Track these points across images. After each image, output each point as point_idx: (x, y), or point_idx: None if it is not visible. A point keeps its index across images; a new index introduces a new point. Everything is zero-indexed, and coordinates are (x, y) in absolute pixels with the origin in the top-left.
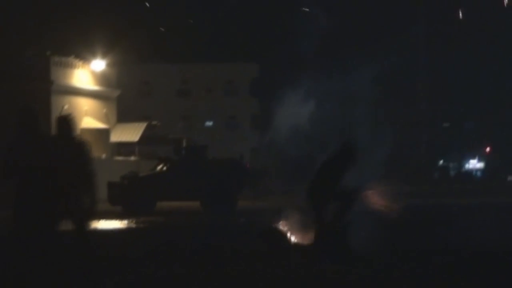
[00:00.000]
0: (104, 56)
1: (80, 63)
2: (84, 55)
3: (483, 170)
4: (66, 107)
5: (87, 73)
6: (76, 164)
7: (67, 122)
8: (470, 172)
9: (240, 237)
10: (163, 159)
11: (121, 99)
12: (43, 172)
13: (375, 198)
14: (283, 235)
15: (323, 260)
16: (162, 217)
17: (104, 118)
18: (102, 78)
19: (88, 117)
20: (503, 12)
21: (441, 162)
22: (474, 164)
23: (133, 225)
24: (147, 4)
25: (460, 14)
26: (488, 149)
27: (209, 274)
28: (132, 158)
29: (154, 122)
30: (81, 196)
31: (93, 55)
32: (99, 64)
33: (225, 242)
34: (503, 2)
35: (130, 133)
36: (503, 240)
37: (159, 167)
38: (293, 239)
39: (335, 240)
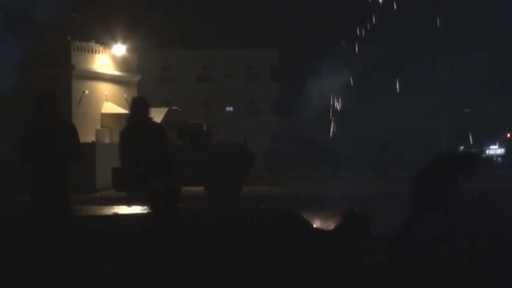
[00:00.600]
0: (124, 41)
1: (101, 48)
2: (104, 40)
3: (503, 156)
4: (86, 92)
5: (107, 58)
6: (159, 147)
7: (145, 104)
8: (491, 158)
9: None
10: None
11: (142, 84)
12: (58, 158)
13: None
14: (304, 220)
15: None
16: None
17: (125, 103)
18: (122, 63)
19: (109, 102)
20: None
21: (461, 148)
22: (494, 150)
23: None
24: None
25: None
26: (509, 135)
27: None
28: None
29: (174, 107)
30: (165, 179)
31: (113, 40)
32: (119, 49)
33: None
34: None
35: None
36: None
37: None
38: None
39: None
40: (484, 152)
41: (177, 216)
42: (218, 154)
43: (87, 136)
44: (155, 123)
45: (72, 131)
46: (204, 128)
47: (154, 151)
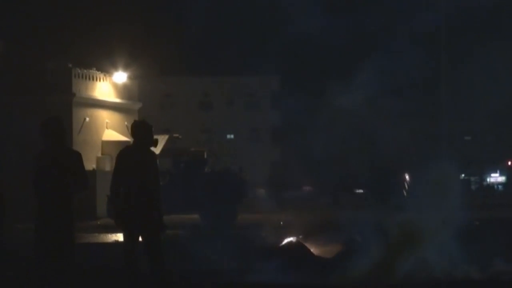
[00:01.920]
0: (125, 68)
1: (102, 75)
2: (105, 67)
3: (504, 184)
4: (87, 119)
5: (108, 86)
6: (152, 178)
7: (148, 127)
8: (491, 186)
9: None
10: (163, 173)
11: (143, 112)
12: (64, 187)
13: None
14: (304, 248)
15: None
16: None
17: (126, 131)
18: (123, 91)
19: (110, 129)
20: None
21: (462, 175)
22: (495, 177)
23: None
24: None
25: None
26: (510, 162)
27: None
28: None
29: (175, 135)
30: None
31: (114, 67)
32: (120, 77)
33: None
34: None
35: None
36: None
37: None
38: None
39: None
40: (485, 179)
41: (159, 248)
42: (212, 182)
43: (88, 163)
44: (153, 153)
45: (78, 160)
46: (205, 156)
47: (148, 182)
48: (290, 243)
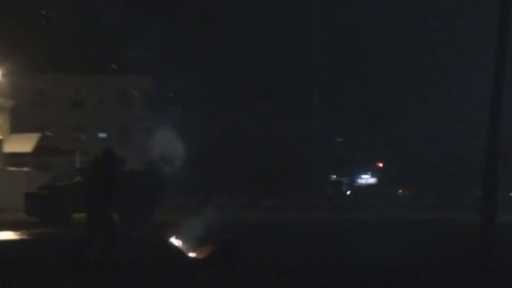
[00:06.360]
0: None
1: None
2: None
3: (375, 185)
4: None
5: None
6: None
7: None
8: (362, 187)
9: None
10: (79, 170)
11: (15, 110)
12: None
13: None
14: (176, 248)
15: None
16: (65, 228)
17: None
18: None
19: None
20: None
21: (333, 176)
22: (366, 179)
23: (23, 237)
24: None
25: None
26: (381, 164)
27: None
28: (25, 169)
29: (47, 133)
30: None
31: None
32: None
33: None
34: None
35: (23, 144)
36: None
37: (76, 178)
38: (187, 252)
39: None
40: (355, 181)
41: None
42: (130, 181)
43: None
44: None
45: None
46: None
47: None
48: (162, 241)
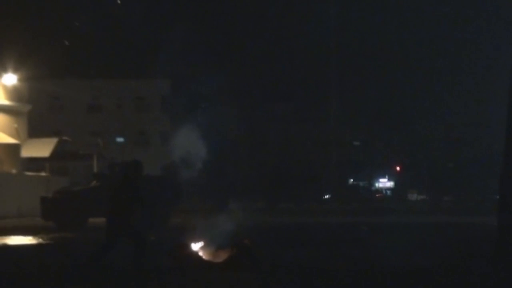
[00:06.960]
0: (15, 70)
1: None
2: None
3: (392, 189)
4: None
5: None
6: None
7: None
8: (380, 191)
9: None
10: (97, 175)
11: (32, 115)
12: None
13: None
14: (194, 252)
15: None
16: (82, 233)
17: (15, 133)
18: (13, 93)
19: None
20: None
21: (351, 180)
22: (384, 183)
23: (40, 241)
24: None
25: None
26: (398, 168)
27: None
28: (43, 173)
29: (65, 138)
30: None
31: (4, 69)
32: (10, 79)
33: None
34: None
35: (41, 149)
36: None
37: (93, 183)
38: (204, 256)
39: None
40: (373, 184)
41: None
42: (146, 186)
43: None
44: None
45: None
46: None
47: None
48: (179, 246)
